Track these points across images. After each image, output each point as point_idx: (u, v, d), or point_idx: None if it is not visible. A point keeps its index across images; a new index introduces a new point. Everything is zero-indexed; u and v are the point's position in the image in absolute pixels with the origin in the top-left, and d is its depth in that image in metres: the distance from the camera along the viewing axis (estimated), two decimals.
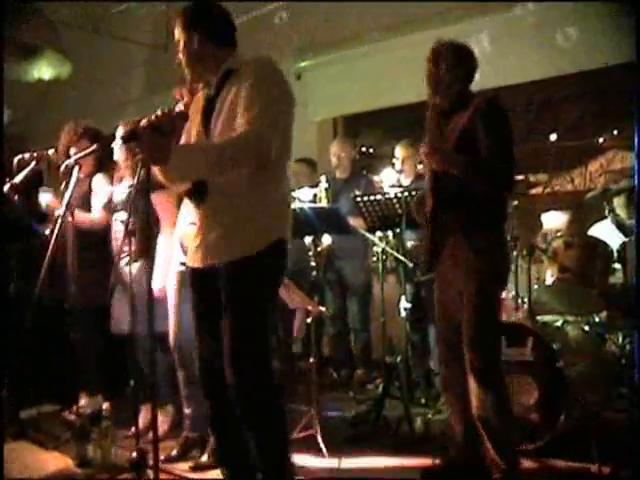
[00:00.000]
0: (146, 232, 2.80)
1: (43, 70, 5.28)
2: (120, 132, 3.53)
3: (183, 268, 3.32)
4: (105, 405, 3.94)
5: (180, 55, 2.52)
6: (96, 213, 3.93)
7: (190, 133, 2.57)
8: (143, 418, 3.45)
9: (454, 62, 2.83)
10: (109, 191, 3.89)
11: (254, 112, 2.30)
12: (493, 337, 2.86)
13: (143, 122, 2.32)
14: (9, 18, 4.46)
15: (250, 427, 2.41)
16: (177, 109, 2.53)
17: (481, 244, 2.78)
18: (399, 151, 4.62)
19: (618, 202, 4.14)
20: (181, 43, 2.50)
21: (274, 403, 2.43)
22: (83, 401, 3.96)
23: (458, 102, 2.84)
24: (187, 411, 3.39)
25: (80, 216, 3.82)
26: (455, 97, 2.85)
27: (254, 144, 2.29)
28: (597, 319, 3.77)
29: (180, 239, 3.34)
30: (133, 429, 3.27)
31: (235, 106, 2.36)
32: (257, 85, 2.34)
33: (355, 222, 4.26)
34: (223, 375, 2.39)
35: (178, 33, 2.51)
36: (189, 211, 3.30)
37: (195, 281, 2.56)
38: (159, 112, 2.37)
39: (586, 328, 3.69)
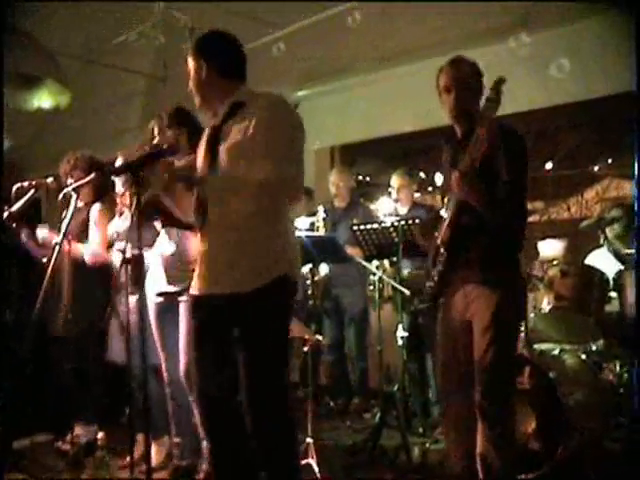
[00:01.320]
0: (139, 263, 2.79)
1: (43, 99, 5.32)
2: (120, 161, 3.56)
3: (160, 299, 3.31)
4: (100, 434, 3.91)
5: (190, 83, 2.56)
6: (93, 246, 3.94)
7: (199, 161, 2.59)
8: (138, 448, 3.42)
9: (475, 82, 2.74)
10: (107, 224, 3.90)
11: (280, 153, 2.35)
12: (507, 377, 2.75)
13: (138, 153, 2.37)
14: (10, 49, 4.52)
15: (266, 460, 2.41)
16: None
17: (498, 277, 2.67)
18: (395, 180, 4.66)
19: (612, 232, 4.14)
20: (192, 71, 2.54)
21: (291, 438, 2.43)
22: (78, 430, 3.93)
23: (473, 128, 2.68)
24: (177, 440, 3.36)
25: (78, 248, 3.84)
26: (466, 121, 2.74)
27: (289, 185, 2.38)
28: (594, 347, 3.76)
29: (163, 268, 3.32)
30: (128, 459, 3.24)
31: (245, 140, 2.39)
32: (277, 126, 2.38)
33: (352, 251, 4.27)
34: (226, 405, 2.41)
35: (190, 61, 2.55)
36: (167, 240, 3.29)
37: (197, 309, 2.54)
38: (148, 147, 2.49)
39: (583, 357, 3.68)
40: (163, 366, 3.34)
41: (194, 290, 2.55)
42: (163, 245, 3.29)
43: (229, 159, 2.42)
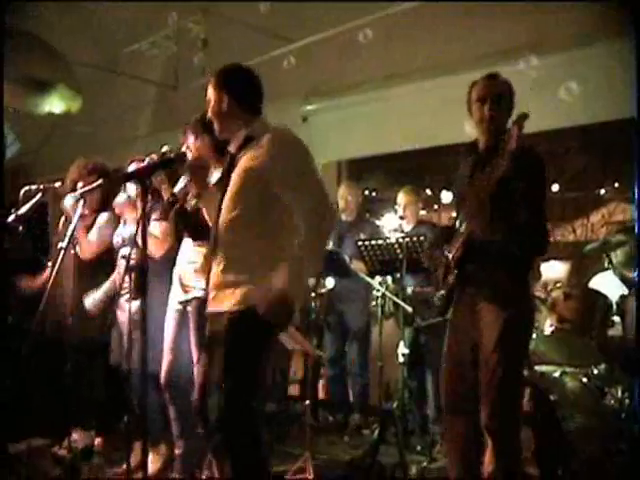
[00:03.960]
0: (142, 269, 2.80)
1: (54, 104, 5.36)
2: (132, 168, 3.58)
3: (181, 307, 3.33)
4: (97, 440, 3.90)
5: (209, 111, 2.67)
6: (91, 241, 3.96)
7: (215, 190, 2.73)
8: (135, 455, 3.41)
9: (508, 99, 2.77)
10: (112, 234, 3.92)
11: (306, 186, 2.51)
12: (515, 397, 2.73)
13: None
14: (22, 54, 4.56)
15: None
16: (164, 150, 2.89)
17: (507, 297, 2.68)
18: (401, 197, 4.66)
19: (617, 257, 4.12)
20: (212, 101, 2.65)
21: (250, 446, 2.48)
22: (75, 436, 3.92)
23: (494, 145, 2.71)
24: (177, 452, 3.35)
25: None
26: (492, 137, 2.74)
27: (326, 214, 2.54)
28: (596, 371, 3.73)
29: (179, 277, 3.35)
30: (124, 466, 3.23)
31: (250, 176, 2.51)
32: (296, 163, 2.53)
33: (357, 265, 4.27)
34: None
35: (211, 91, 2.66)
36: (188, 249, 3.32)
37: (209, 321, 2.64)
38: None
39: (584, 380, 3.66)
40: (163, 372, 3.33)
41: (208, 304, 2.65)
42: (188, 253, 3.32)
43: (234, 188, 2.55)
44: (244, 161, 2.56)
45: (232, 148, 2.68)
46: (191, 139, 3.20)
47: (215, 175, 2.93)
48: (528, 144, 2.70)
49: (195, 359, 3.20)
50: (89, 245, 3.94)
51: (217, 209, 2.60)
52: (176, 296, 3.37)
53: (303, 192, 2.49)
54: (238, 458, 2.47)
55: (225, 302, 2.52)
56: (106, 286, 3.81)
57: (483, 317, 2.70)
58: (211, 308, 2.60)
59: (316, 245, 2.54)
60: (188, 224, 3.24)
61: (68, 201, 3.78)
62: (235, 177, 2.57)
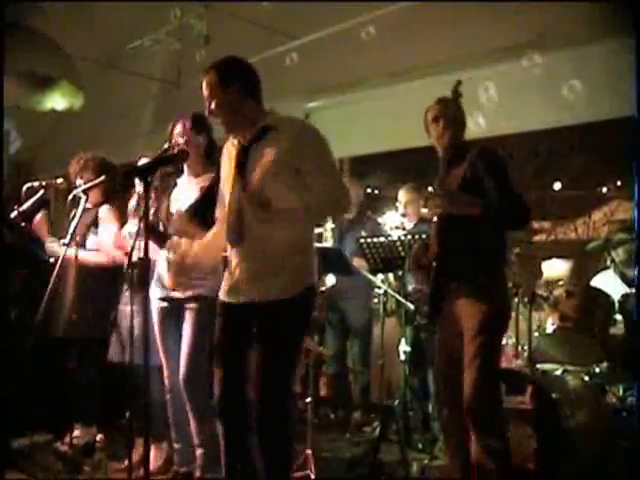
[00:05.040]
0: (144, 266, 2.80)
1: (56, 101, 5.36)
2: (142, 162, 3.57)
3: (164, 304, 3.31)
4: (99, 436, 3.90)
5: (213, 107, 2.63)
6: (103, 249, 3.93)
7: (227, 180, 2.71)
8: (137, 451, 3.42)
9: (448, 120, 3.02)
10: (120, 221, 3.89)
11: (329, 176, 2.63)
12: (491, 382, 2.86)
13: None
14: (25, 50, 4.56)
15: (262, 452, 2.56)
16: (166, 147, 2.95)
17: (482, 288, 2.84)
18: (403, 195, 4.66)
19: (618, 255, 4.12)
20: (216, 97, 2.61)
21: (287, 436, 2.59)
22: (77, 431, 3.92)
23: (455, 153, 2.99)
24: (177, 446, 3.35)
25: (86, 256, 3.86)
26: (450, 148, 3.01)
27: (346, 201, 2.70)
28: (597, 370, 3.74)
29: (158, 274, 3.33)
30: (126, 462, 3.23)
31: (278, 163, 2.56)
32: (318, 153, 2.64)
33: (359, 262, 4.27)
34: (242, 403, 2.58)
35: (212, 87, 2.62)
36: (170, 246, 3.29)
37: (226, 314, 2.68)
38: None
39: (586, 378, 3.66)
40: (165, 371, 3.33)
41: (226, 297, 2.68)
42: (172, 250, 3.28)
43: (263, 178, 2.56)
44: (270, 151, 2.57)
45: (242, 140, 2.66)
46: (180, 136, 3.17)
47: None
48: (486, 145, 3.03)
49: (185, 358, 3.18)
50: (106, 248, 3.91)
51: (236, 201, 2.60)
52: (156, 293, 3.31)
53: (331, 183, 2.60)
54: (280, 449, 2.57)
55: (268, 291, 2.56)
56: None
57: (462, 309, 2.87)
58: (244, 298, 2.61)
59: (321, 212, 2.76)
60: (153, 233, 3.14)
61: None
62: (264, 166, 2.56)
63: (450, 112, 3.02)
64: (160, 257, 3.32)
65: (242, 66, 2.69)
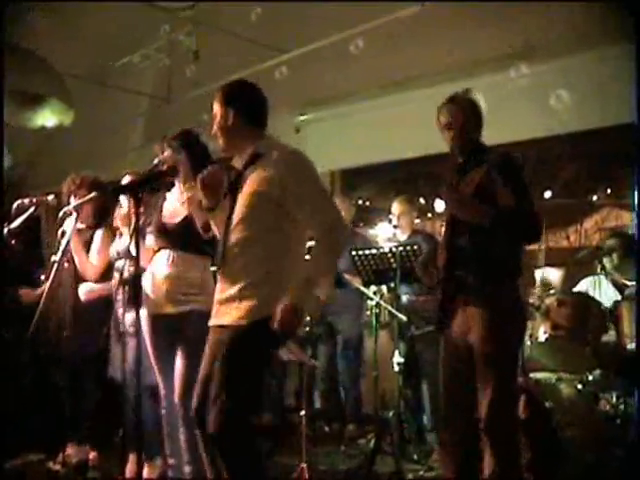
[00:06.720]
0: (137, 282, 2.80)
1: (47, 118, 5.36)
2: (127, 180, 3.58)
3: (157, 320, 3.27)
4: (92, 455, 3.88)
5: (214, 127, 2.68)
6: (93, 262, 3.94)
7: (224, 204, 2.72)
8: (130, 469, 3.39)
9: (466, 116, 2.87)
10: (109, 250, 3.90)
11: (320, 204, 2.58)
12: (508, 398, 2.75)
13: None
14: (15, 68, 4.56)
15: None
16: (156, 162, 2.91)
17: (492, 298, 2.71)
18: (396, 207, 4.66)
19: (610, 262, 4.13)
20: (217, 117, 2.67)
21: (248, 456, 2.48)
22: (69, 450, 3.89)
23: (473, 157, 2.84)
24: (171, 461, 3.33)
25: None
26: (469, 151, 2.86)
27: (341, 231, 2.62)
28: (590, 377, 3.74)
29: (161, 288, 3.30)
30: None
31: (262, 192, 2.53)
32: (309, 183, 2.58)
33: (351, 277, 4.27)
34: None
35: (216, 107, 2.67)
36: (155, 262, 3.29)
37: (210, 334, 2.66)
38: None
39: (579, 386, 3.67)
40: (160, 386, 3.31)
41: (211, 317, 2.66)
42: (162, 265, 3.26)
43: (244, 206, 2.57)
44: (254, 179, 2.57)
45: (238, 164, 2.68)
46: (168, 151, 3.18)
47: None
48: (503, 150, 2.85)
49: (179, 370, 3.17)
50: (93, 267, 3.92)
51: (225, 224, 2.61)
52: (155, 309, 3.28)
53: (319, 210, 2.55)
54: (236, 472, 2.46)
55: (230, 316, 2.53)
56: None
57: (474, 320, 2.73)
58: (216, 321, 2.61)
59: (331, 259, 2.62)
60: None
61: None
62: (246, 195, 2.57)
63: (462, 114, 2.86)
64: (150, 272, 3.31)
65: (244, 90, 2.71)
